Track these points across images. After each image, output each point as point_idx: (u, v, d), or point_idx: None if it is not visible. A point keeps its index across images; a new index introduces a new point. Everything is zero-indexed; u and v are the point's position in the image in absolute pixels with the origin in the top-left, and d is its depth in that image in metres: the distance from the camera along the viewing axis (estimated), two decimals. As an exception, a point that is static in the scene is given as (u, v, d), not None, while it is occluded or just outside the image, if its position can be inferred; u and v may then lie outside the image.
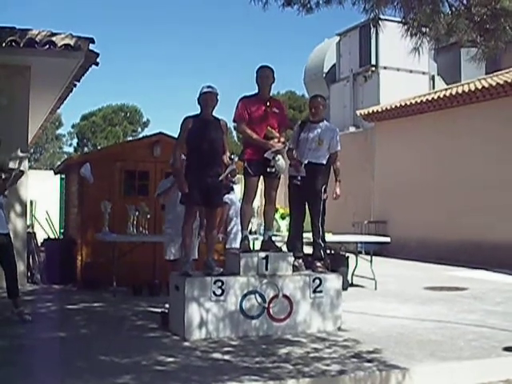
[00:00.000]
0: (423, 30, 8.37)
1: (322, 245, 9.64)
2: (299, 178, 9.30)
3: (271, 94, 9.35)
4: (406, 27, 8.41)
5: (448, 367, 7.15)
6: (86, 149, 56.59)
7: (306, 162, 9.35)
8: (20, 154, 12.29)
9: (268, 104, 8.99)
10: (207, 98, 8.73)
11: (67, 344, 7.94)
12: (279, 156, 8.81)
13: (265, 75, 9.07)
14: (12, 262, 9.36)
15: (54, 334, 8.39)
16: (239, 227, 9.87)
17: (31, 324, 8.47)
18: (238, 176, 9.39)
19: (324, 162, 9.50)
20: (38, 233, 15.69)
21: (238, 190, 11.68)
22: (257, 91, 9.11)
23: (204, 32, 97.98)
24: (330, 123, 10.04)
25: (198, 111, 8.86)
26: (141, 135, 53.24)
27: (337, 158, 9.68)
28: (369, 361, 7.14)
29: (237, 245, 10.51)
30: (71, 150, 60.25)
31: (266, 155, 8.77)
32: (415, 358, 7.34)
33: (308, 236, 10.02)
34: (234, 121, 9.09)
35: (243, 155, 9.07)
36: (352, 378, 6.61)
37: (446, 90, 21.98)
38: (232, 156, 9.00)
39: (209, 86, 8.78)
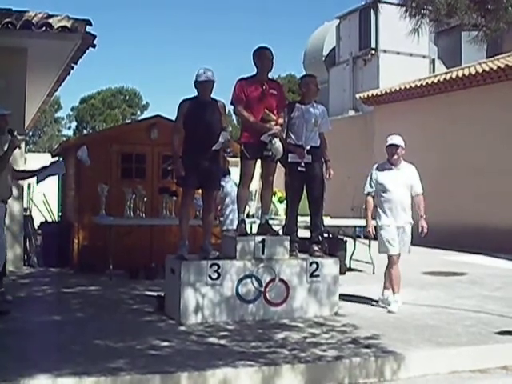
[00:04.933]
0: (423, 10, 8.26)
1: (322, 229, 9.59)
2: (303, 164, 9.18)
3: (270, 77, 9.26)
4: (404, 8, 8.30)
5: (445, 353, 7.11)
6: (84, 132, 56.49)
7: (308, 147, 9.24)
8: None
9: (266, 85, 8.88)
10: (203, 84, 8.66)
11: (62, 327, 7.91)
12: (276, 139, 8.71)
13: (264, 56, 8.95)
14: None
15: (50, 318, 8.37)
16: (236, 214, 9.84)
17: (27, 307, 8.42)
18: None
19: (319, 144, 9.43)
20: (35, 216, 15.64)
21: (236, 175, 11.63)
22: (255, 73, 9.01)
23: (202, 17, 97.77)
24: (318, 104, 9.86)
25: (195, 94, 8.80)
26: (140, 118, 53.08)
27: (324, 137, 9.63)
28: (366, 346, 7.09)
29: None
30: (70, 132, 60.21)
31: (262, 138, 8.67)
32: (412, 343, 7.30)
33: (305, 220, 9.96)
34: (232, 103, 8.99)
35: (240, 138, 8.99)
36: (348, 364, 6.57)
37: (446, 73, 21.84)
38: (225, 126, 8.90)
39: (204, 68, 8.70)
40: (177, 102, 8.80)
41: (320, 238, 9.48)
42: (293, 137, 9.29)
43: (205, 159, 8.56)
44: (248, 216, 10.78)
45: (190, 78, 8.77)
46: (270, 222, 9.57)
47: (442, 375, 6.86)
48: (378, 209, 9.58)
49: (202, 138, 8.55)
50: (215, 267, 8.25)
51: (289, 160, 9.29)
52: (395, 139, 9.61)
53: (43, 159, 22.77)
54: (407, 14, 8.25)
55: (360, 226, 15.32)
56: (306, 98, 9.51)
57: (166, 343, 7.04)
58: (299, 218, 9.62)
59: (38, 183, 9.79)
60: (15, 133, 8.56)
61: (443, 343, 7.37)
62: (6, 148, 8.31)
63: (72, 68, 14.25)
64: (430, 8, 8.15)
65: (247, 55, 9.06)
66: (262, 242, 8.65)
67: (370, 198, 9.67)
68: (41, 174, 9.05)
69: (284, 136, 9.27)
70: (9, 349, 6.69)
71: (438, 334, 7.75)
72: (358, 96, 25.38)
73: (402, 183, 9.42)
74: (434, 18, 8.28)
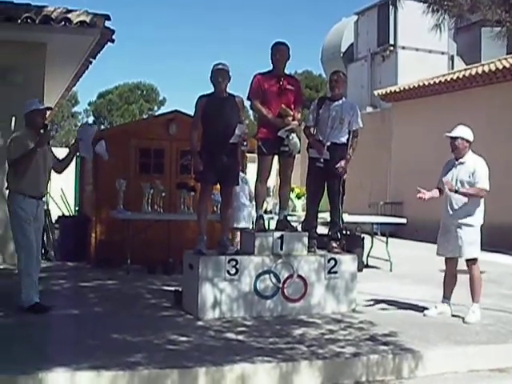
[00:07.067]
0: (445, 6, 8.19)
1: (341, 225, 9.56)
2: (322, 160, 9.14)
3: (287, 72, 9.24)
4: (427, 4, 8.24)
5: (464, 351, 7.09)
6: (102, 127, 56.53)
7: (328, 143, 9.19)
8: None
9: (283, 80, 8.86)
10: (219, 75, 8.62)
11: (80, 321, 7.93)
12: (293, 135, 8.70)
13: (280, 51, 8.94)
14: None
15: (67, 312, 8.38)
16: (240, 212, 9.86)
17: (45, 301, 8.44)
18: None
19: (345, 141, 9.32)
20: (52, 210, 15.66)
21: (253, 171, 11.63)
22: (271, 68, 8.99)
23: (219, 15, 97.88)
24: (348, 100, 9.81)
25: (212, 90, 8.79)
26: (157, 113, 53.11)
27: (357, 135, 9.45)
28: (384, 343, 7.08)
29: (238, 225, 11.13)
30: (87, 127, 60.20)
31: (279, 134, 8.66)
32: (430, 341, 7.28)
33: (324, 216, 9.94)
34: (249, 98, 8.97)
35: (257, 134, 8.98)
36: (365, 361, 6.56)
37: (465, 70, 21.71)
38: (241, 119, 8.86)
39: (220, 63, 8.67)
40: (193, 98, 8.79)
41: (338, 234, 9.45)
42: (318, 132, 9.26)
43: (223, 155, 8.54)
44: (266, 212, 10.75)
45: (207, 74, 8.77)
46: (288, 218, 9.55)
47: (461, 374, 6.85)
48: None
49: (220, 134, 8.53)
50: (233, 262, 8.25)
51: (309, 155, 9.29)
52: (455, 130, 8.85)
53: (60, 154, 22.85)
54: (429, 9, 8.18)
55: (377, 223, 15.30)
56: (332, 91, 9.44)
57: (183, 338, 7.05)
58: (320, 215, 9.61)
59: (89, 157, 9.83)
60: (48, 129, 8.63)
61: (462, 342, 7.35)
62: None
63: (90, 63, 14.29)
64: (452, 3, 8.09)
65: (265, 52, 9.03)
66: (281, 237, 8.65)
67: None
68: (82, 149, 8.93)
69: (313, 131, 9.27)
70: (27, 342, 6.70)
71: (457, 333, 7.73)
72: (376, 92, 25.32)
73: (459, 180, 8.73)
74: (457, 14, 8.20)
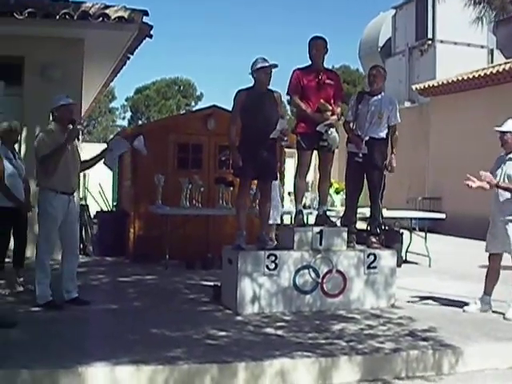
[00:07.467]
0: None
1: (380, 221, 9.51)
2: (360, 155, 9.09)
3: (327, 67, 9.19)
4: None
5: (504, 348, 7.02)
6: (139, 122, 56.76)
7: (367, 138, 9.14)
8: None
9: (322, 75, 8.82)
10: (266, 71, 8.57)
11: (119, 316, 7.96)
12: (332, 129, 8.67)
13: (317, 46, 8.89)
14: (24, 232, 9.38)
15: (106, 306, 8.42)
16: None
17: (83, 296, 8.48)
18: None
19: (384, 136, 9.27)
20: (90, 205, 15.76)
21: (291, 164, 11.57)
22: (311, 63, 8.95)
23: (256, 11, 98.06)
24: (387, 95, 9.76)
25: (250, 85, 8.75)
26: (194, 109, 53.21)
27: (396, 130, 9.40)
28: (423, 339, 7.02)
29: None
30: (124, 123, 60.48)
31: (318, 128, 8.63)
32: (470, 337, 7.21)
33: (363, 211, 9.88)
34: (288, 94, 8.95)
35: (296, 129, 8.95)
36: (405, 357, 6.51)
37: (505, 64, 21.44)
38: (282, 114, 8.84)
39: (264, 60, 8.62)
40: (231, 93, 8.76)
41: (378, 229, 9.40)
42: (357, 127, 9.22)
43: (262, 149, 8.50)
44: (304, 207, 10.72)
45: (243, 69, 8.75)
46: (327, 213, 9.51)
47: (501, 370, 6.78)
48: None
49: (259, 129, 8.49)
50: (273, 257, 8.23)
51: (348, 150, 9.25)
52: (505, 125, 8.83)
53: (98, 149, 22.91)
54: (471, 2, 8.08)
55: (416, 218, 15.19)
56: (371, 86, 9.37)
57: (222, 333, 7.05)
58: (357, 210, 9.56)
59: (111, 169, 9.65)
60: (79, 123, 8.59)
61: (502, 338, 7.28)
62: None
63: (128, 58, 14.35)
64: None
65: (303, 48, 9.02)
66: (320, 232, 8.62)
67: None
68: (108, 158, 8.92)
69: (353, 126, 9.23)
70: (67, 337, 6.74)
71: (497, 329, 7.65)
72: (414, 87, 25.13)
73: (505, 175, 8.59)
74: (499, 6, 8.08)
